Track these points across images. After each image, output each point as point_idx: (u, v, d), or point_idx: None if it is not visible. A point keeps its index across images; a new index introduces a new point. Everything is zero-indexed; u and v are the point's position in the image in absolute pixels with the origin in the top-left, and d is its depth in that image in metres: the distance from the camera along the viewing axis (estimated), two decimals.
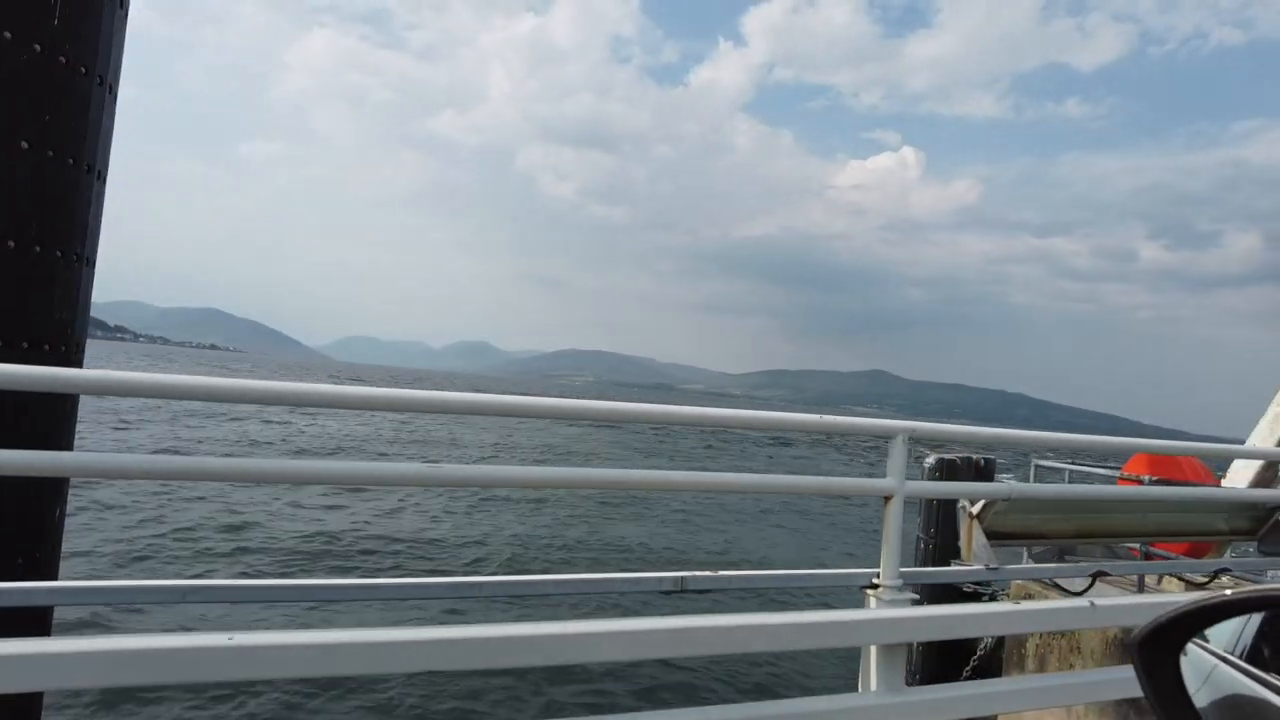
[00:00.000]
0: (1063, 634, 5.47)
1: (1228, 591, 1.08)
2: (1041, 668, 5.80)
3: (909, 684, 2.24)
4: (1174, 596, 3.16)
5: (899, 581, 2.28)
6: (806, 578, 2.38)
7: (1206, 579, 3.31)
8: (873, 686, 2.20)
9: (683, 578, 2.14)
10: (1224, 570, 3.19)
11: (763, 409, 2.47)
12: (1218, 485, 6.09)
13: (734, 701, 2.07)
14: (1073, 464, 7.51)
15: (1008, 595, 6.11)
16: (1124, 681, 2.65)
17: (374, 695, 6.34)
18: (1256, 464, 7.08)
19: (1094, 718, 4.99)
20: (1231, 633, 1.33)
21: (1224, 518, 3.29)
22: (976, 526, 2.57)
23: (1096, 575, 2.77)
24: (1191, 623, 1.08)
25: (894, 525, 2.27)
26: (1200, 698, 1.13)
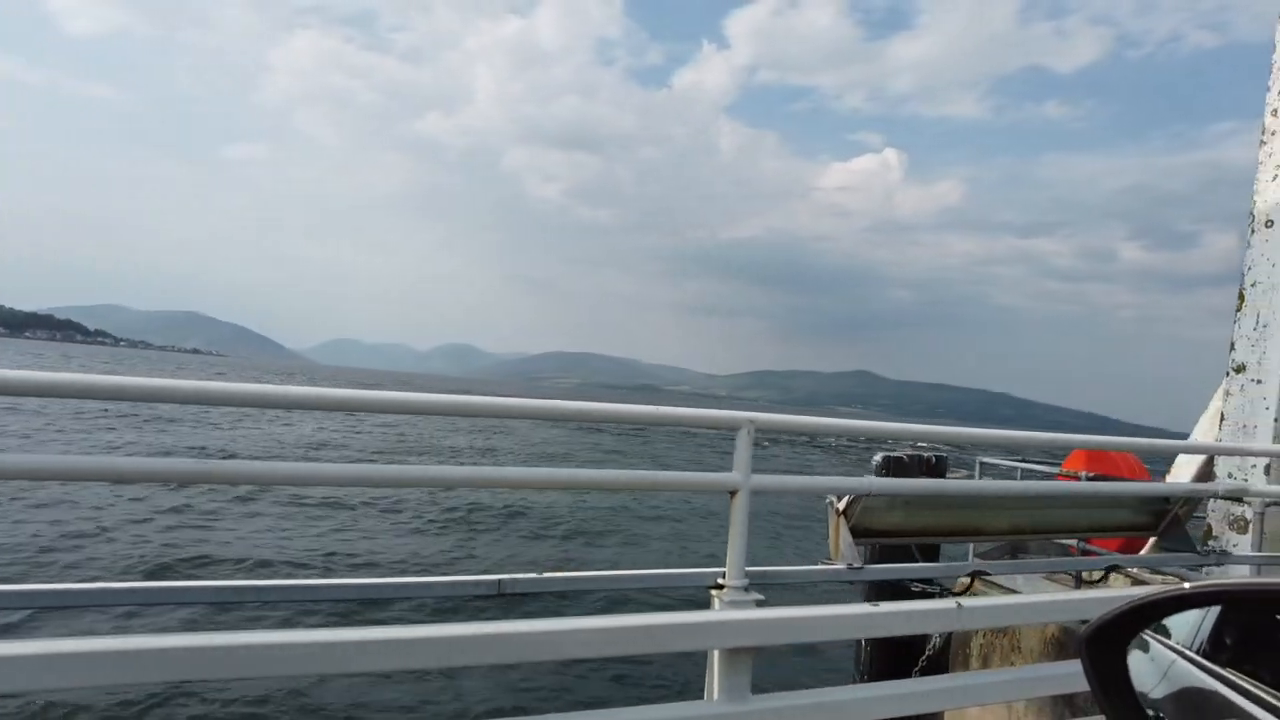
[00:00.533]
0: (1003, 632, 5.41)
1: (1186, 585, 1.07)
2: (985, 665, 5.75)
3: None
4: (1056, 595, 3.06)
5: (744, 582, 2.15)
6: (644, 579, 2.25)
7: (1101, 575, 3.23)
8: (715, 694, 2.08)
9: (500, 581, 2.00)
10: (1115, 566, 3.09)
11: (750, 410, 2.35)
12: (1148, 480, 6.05)
13: (560, 711, 1.93)
14: (1024, 462, 7.46)
15: (953, 592, 6.05)
16: (1048, 680, 2.56)
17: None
18: (1199, 459, 7.05)
19: (1033, 715, 4.95)
20: (1190, 626, 1.33)
21: (1125, 513, 3.20)
22: (843, 523, 2.45)
23: (975, 575, 2.66)
24: (1139, 618, 1.09)
25: (739, 521, 2.13)
26: (1158, 691, 1.16)
